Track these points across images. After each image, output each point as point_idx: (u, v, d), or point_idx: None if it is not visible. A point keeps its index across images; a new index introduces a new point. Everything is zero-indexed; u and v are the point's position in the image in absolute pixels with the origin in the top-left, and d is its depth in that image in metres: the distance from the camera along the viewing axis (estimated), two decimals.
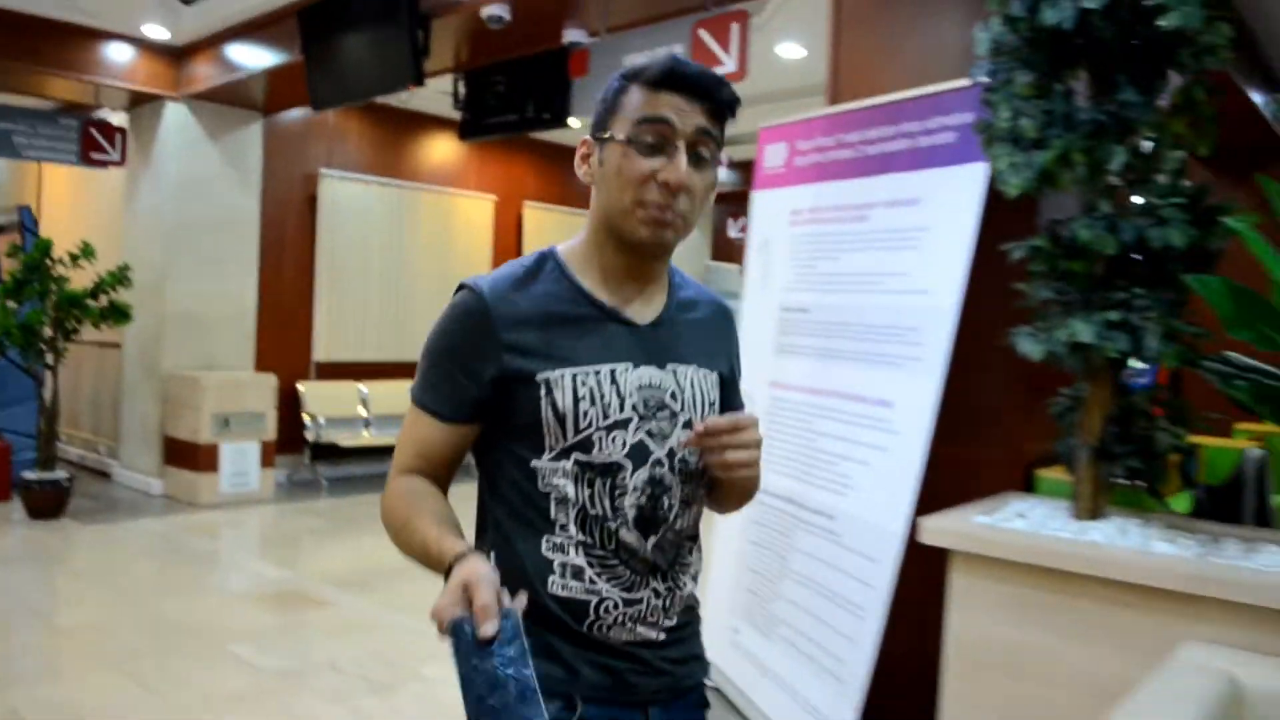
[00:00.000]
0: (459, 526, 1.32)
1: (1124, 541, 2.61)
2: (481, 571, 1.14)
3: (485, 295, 1.36)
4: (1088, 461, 2.78)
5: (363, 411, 8.98)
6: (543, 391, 1.33)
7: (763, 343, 3.79)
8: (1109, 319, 2.58)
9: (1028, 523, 2.79)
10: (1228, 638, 2.37)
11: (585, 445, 1.34)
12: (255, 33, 7.25)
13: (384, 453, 9.03)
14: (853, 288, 3.39)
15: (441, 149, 9.82)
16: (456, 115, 7.24)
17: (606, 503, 1.35)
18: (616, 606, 1.36)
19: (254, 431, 8.00)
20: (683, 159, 1.31)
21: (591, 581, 1.35)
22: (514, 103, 6.51)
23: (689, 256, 12.04)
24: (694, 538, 1.47)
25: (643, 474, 1.36)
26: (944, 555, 2.82)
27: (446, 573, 1.19)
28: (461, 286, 1.41)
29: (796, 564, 3.43)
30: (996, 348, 2.94)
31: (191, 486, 7.82)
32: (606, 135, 1.37)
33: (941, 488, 3.17)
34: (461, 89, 7.08)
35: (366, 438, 8.79)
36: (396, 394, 9.11)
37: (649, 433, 1.37)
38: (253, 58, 7.31)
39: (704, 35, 4.69)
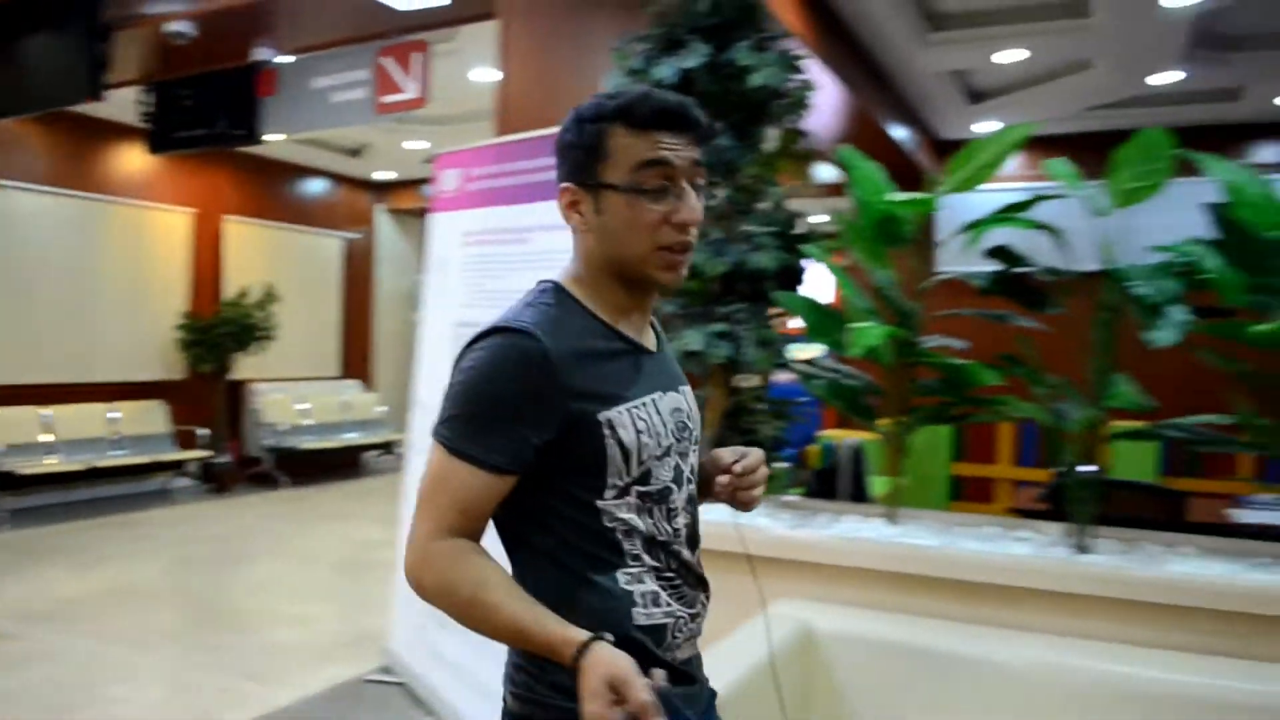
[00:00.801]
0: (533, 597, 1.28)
1: (730, 518, 3.05)
2: (623, 664, 1.15)
3: (543, 340, 1.29)
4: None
5: (46, 437, 8.46)
6: (606, 431, 1.31)
7: (439, 356, 4.05)
8: (716, 330, 3.03)
9: None
10: (810, 593, 2.86)
11: (645, 477, 1.35)
12: None
13: (71, 479, 8.54)
14: None
15: (134, 160, 9.40)
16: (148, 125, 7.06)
17: (666, 526, 1.38)
18: (686, 624, 1.40)
19: None
20: (692, 196, 1.34)
21: (668, 605, 1.37)
22: (203, 117, 6.44)
23: (394, 271, 12.13)
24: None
25: (683, 494, 1.41)
26: None
27: (571, 660, 1.19)
28: (503, 329, 1.31)
29: None
30: None
31: None
32: (600, 183, 1.34)
33: None
34: (151, 100, 6.90)
35: (51, 464, 8.30)
36: (85, 417, 8.65)
37: (680, 454, 1.41)
38: None
39: (386, 62, 4.90)
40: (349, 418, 10.88)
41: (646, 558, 1.36)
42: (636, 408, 1.35)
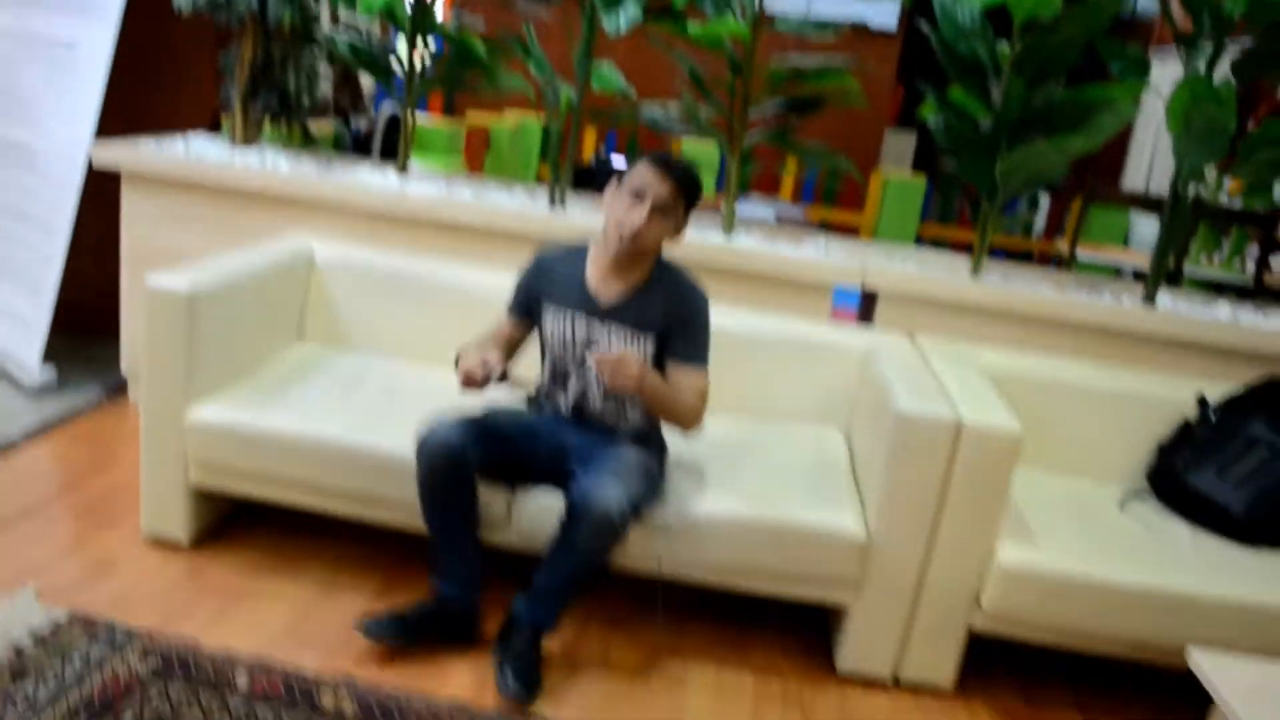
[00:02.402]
0: (494, 341, 2.50)
1: (259, 163, 3.34)
2: (463, 353, 2.33)
3: (538, 258, 2.51)
4: (239, 101, 3.46)
5: None
6: (542, 313, 2.47)
7: None
8: None
9: (191, 150, 3.41)
10: (315, 226, 3.24)
11: (552, 346, 2.47)
12: None
13: None
14: None
15: None
16: None
17: (561, 369, 2.48)
18: (556, 399, 2.52)
19: None
20: (643, 210, 2.27)
21: (550, 387, 2.53)
22: None
23: None
24: (618, 411, 2.47)
25: (576, 370, 2.46)
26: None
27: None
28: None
29: None
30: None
31: None
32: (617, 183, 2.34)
33: (138, 126, 3.66)
34: None
35: None
36: None
37: (586, 347, 2.41)
38: None
39: None
40: None
41: (549, 378, 2.53)
42: (560, 312, 2.43)
